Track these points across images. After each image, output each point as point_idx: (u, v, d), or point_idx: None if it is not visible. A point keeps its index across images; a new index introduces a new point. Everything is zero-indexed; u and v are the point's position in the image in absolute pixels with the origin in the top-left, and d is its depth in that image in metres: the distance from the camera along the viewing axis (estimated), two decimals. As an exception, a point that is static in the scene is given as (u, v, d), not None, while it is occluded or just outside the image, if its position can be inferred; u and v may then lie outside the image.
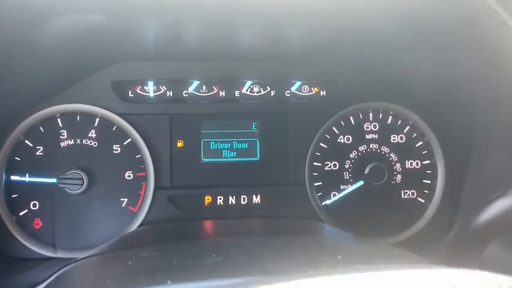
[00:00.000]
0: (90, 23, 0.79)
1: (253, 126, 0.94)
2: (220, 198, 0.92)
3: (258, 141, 0.94)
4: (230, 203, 0.93)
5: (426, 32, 0.77)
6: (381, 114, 0.95)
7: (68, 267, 0.53)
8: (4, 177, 0.88)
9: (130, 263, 0.48)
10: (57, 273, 0.51)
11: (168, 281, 0.42)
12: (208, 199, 0.92)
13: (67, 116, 0.89)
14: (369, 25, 0.77)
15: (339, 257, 0.47)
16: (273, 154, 0.94)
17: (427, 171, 0.96)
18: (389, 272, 0.39)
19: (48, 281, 0.52)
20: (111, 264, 0.50)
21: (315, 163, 0.95)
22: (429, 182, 0.95)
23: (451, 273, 0.40)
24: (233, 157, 0.93)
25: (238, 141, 0.93)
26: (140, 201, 0.89)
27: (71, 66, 0.87)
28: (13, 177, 0.87)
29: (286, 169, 0.94)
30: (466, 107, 0.81)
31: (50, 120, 0.89)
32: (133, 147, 0.90)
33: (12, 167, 0.88)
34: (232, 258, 0.49)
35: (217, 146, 0.93)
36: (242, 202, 0.93)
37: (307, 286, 0.37)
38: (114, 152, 0.90)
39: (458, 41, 0.78)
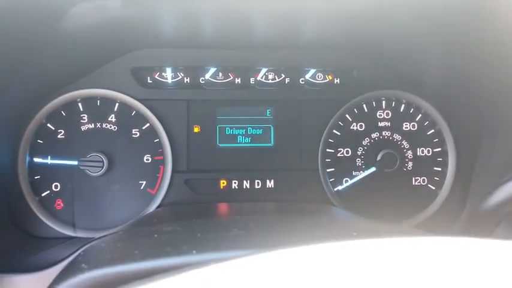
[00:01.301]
0: (110, 11, 0.81)
1: (268, 112, 0.96)
2: (235, 183, 0.95)
3: (272, 128, 0.96)
4: (244, 187, 0.95)
5: (438, 20, 0.79)
6: (393, 103, 0.97)
7: (95, 241, 0.55)
8: (27, 159, 0.91)
9: (155, 236, 0.51)
10: (84, 247, 0.54)
11: (194, 251, 0.45)
12: (223, 183, 0.94)
13: (87, 100, 0.92)
14: (382, 14, 0.79)
15: (354, 234, 0.49)
16: (287, 140, 0.96)
17: (438, 159, 0.97)
18: (408, 239, 0.40)
19: (76, 254, 0.54)
20: (137, 237, 0.53)
21: (328, 149, 0.97)
22: (440, 169, 0.97)
23: (472, 241, 0.40)
24: (248, 143, 0.96)
25: (253, 127, 0.96)
26: (158, 183, 0.92)
27: (92, 53, 0.90)
28: (36, 159, 0.90)
29: (299, 155, 0.96)
30: (476, 96, 0.85)
31: (71, 104, 0.92)
32: (152, 131, 0.93)
33: (35, 150, 0.91)
34: (253, 232, 0.52)
35: (232, 131, 0.95)
36: (256, 186, 0.95)
37: (330, 252, 0.39)
38: (133, 136, 0.93)
39: (469, 31, 0.80)
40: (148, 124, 0.93)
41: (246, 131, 0.96)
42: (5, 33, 0.72)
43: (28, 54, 0.81)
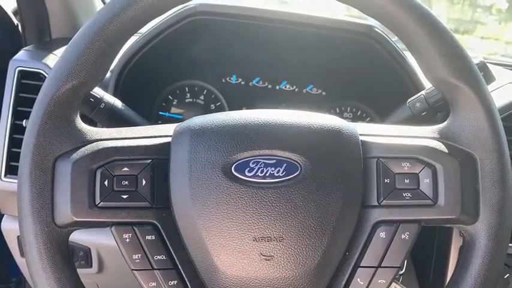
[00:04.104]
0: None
1: (283, 105, 1.57)
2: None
3: (285, 113, 1.63)
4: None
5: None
6: (354, 108, 1.55)
7: None
8: (156, 113, 1.56)
9: None
10: None
11: None
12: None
13: (191, 87, 1.52)
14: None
15: None
16: None
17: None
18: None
19: None
20: None
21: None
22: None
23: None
24: (272, 120, 1.63)
25: (276, 112, 1.62)
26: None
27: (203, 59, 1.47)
28: (161, 113, 1.55)
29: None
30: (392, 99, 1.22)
31: (181, 88, 1.47)
32: (222, 107, 1.55)
33: (161, 108, 1.53)
34: None
35: (264, 113, 1.64)
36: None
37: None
38: (211, 108, 1.57)
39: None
40: (219, 103, 1.55)
41: (272, 114, 1.64)
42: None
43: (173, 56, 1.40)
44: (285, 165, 0.68)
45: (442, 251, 1.09)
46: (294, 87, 1.52)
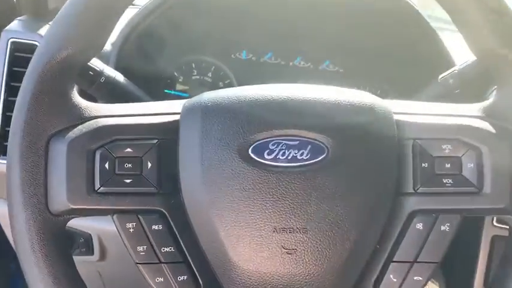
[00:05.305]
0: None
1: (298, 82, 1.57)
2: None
3: (301, 90, 1.53)
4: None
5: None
6: (373, 88, 1.46)
7: None
8: (161, 90, 1.50)
9: None
10: None
11: None
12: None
13: (198, 62, 1.48)
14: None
15: None
16: None
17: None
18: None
19: None
20: None
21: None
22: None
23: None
24: (286, 97, 1.54)
25: (290, 89, 1.54)
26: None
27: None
28: (166, 91, 1.51)
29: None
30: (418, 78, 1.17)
31: (188, 64, 1.46)
32: (231, 85, 1.48)
33: (166, 86, 1.50)
34: None
35: (277, 90, 1.55)
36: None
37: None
38: (219, 86, 1.49)
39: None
40: (229, 80, 1.50)
41: (285, 90, 1.55)
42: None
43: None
44: (309, 147, 0.60)
45: (470, 242, 1.00)
46: (309, 63, 1.45)
